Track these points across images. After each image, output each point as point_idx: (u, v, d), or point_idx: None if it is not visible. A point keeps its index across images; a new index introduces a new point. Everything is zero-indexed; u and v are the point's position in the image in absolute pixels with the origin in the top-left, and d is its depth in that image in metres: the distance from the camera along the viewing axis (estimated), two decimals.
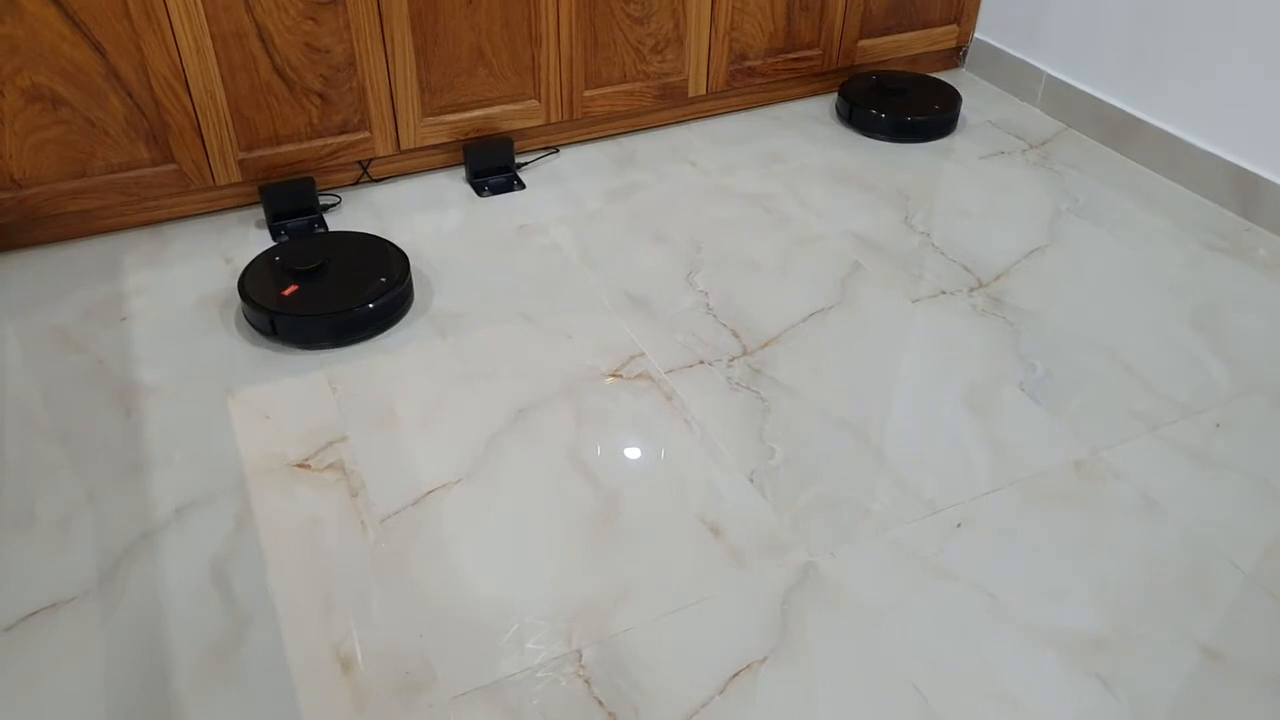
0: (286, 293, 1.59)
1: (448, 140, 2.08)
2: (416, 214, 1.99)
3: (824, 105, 2.45)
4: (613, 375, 1.57)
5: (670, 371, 1.58)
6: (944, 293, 1.78)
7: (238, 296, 1.69)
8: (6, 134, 1.69)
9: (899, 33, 2.48)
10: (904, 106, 2.31)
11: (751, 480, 1.39)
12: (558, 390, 1.54)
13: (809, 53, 2.38)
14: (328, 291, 1.65)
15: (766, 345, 1.64)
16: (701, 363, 1.60)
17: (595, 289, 1.78)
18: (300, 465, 1.39)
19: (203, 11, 1.71)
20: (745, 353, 1.63)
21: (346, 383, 1.55)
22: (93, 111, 1.73)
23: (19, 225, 1.82)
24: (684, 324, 1.69)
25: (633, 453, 1.43)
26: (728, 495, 1.36)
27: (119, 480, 1.37)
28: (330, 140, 1.95)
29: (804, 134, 2.32)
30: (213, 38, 1.75)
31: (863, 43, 2.43)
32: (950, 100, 2.34)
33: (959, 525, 1.33)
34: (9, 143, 1.70)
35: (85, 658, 1.14)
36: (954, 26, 2.54)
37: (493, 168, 2.11)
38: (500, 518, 1.33)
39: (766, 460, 1.42)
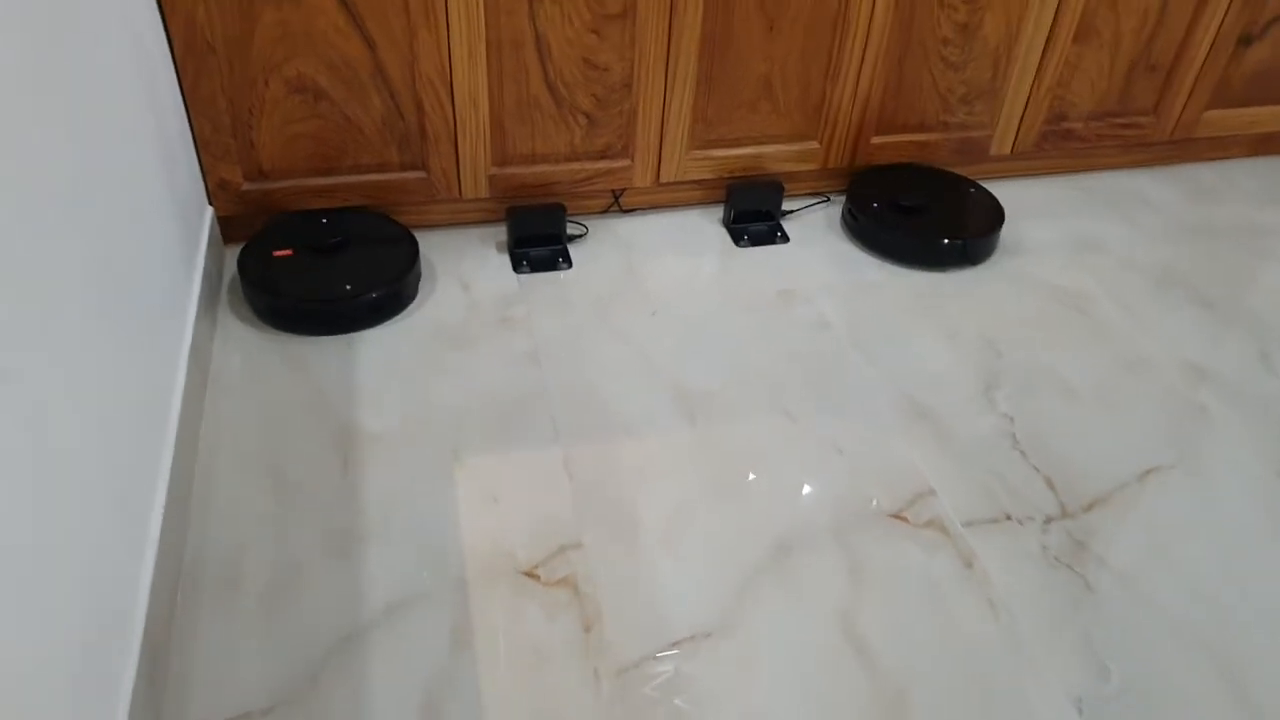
0: (278, 253, 1.48)
1: (709, 177, 1.83)
2: (668, 256, 1.76)
3: (1149, 181, 2.06)
4: (896, 516, 1.30)
5: (969, 525, 1.29)
6: None
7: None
8: (264, 124, 1.56)
9: (1256, 105, 2.05)
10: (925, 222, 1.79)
11: (1080, 711, 1.08)
12: (827, 525, 1.28)
13: (1141, 119, 2.00)
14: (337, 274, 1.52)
15: (1091, 507, 1.32)
16: (1009, 518, 1.30)
17: (871, 387, 1.50)
18: (528, 574, 1.19)
19: (483, 14, 1.52)
20: (1064, 514, 1.31)
21: (583, 467, 1.34)
22: (351, 108, 1.59)
23: (249, 217, 1.69)
24: (983, 457, 1.39)
25: (922, 634, 1.15)
26: None
27: (330, 550, 1.21)
28: (588, 165, 1.74)
29: (1124, 216, 1.94)
30: (487, 43, 1.56)
31: (1209, 114, 2.02)
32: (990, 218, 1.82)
33: None
34: (265, 133, 1.57)
35: None
36: None
37: (754, 212, 1.85)
38: (759, 697, 1.08)
39: (1100, 684, 1.11)
